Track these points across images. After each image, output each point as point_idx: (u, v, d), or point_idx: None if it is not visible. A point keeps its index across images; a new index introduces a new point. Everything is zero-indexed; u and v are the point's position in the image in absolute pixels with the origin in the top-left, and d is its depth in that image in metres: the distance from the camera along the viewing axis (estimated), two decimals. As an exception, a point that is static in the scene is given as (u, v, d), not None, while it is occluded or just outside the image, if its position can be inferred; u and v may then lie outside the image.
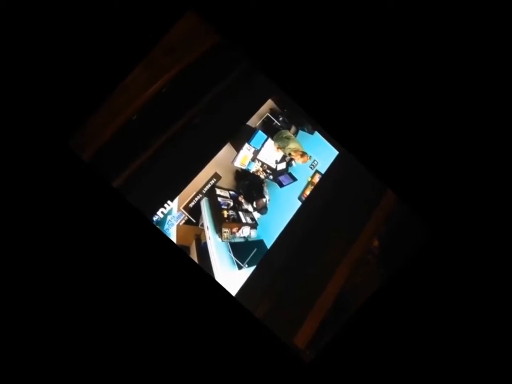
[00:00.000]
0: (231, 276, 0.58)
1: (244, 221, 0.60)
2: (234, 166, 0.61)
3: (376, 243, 0.62)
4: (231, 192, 0.60)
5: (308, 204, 0.62)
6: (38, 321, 0.54)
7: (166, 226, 0.58)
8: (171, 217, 0.58)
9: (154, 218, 0.58)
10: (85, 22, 0.54)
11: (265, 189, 0.61)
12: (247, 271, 0.59)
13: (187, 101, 0.57)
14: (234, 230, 0.59)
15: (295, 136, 0.62)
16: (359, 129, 0.59)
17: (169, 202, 0.58)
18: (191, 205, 0.59)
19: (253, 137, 0.61)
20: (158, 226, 0.57)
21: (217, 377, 0.58)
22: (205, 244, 0.58)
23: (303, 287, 0.60)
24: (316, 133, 0.63)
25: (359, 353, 0.61)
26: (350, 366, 0.61)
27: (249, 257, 0.59)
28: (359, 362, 0.61)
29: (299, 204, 0.62)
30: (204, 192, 0.59)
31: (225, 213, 0.59)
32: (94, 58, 0.54)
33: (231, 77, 0.58)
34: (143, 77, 0.56)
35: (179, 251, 0.58)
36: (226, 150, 0.60)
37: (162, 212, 0.58)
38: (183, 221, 0.59)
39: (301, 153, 0.62)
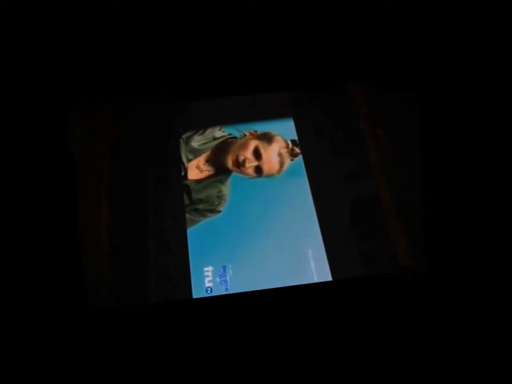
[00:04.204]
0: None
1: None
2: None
3: (386, 143, 0.59)
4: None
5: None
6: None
7: (222, 287, 0.52)
8: (219, 276, 0.53)
9: (208, 291, 0.52)
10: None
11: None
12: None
13: (137, 181, 0.56)
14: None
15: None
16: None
17: (205, 269, 0.53)
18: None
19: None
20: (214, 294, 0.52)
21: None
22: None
23: (367, 226, 0.55)
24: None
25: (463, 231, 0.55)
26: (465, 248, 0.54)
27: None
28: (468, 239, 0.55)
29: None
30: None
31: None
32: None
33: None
34: (90, 202, 0.54)
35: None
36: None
37: (209, 281, 0.52)
38: (231, 270, 0.53)
39: None
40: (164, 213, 0.55)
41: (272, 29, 0.56)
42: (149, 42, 0.54)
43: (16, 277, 0.49)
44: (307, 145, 0.58)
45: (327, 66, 0.56)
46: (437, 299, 0.53)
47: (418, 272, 0.54)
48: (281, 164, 0.57)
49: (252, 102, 0.61)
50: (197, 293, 0.52)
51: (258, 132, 0.60)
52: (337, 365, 0.49)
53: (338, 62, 0.56)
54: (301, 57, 0.56)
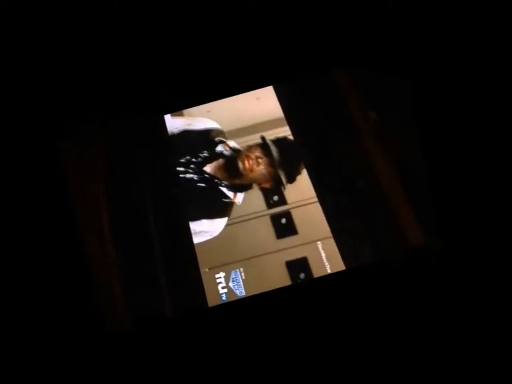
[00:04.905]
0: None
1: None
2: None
3: (380, 125, 0.59)
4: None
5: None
6: None
7: (237, 291, 0.51)
8: (232, 281, 0.52)
9: (224, 297, 0.51)
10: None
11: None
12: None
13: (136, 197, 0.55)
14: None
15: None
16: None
17: (217, 276, 0.52)
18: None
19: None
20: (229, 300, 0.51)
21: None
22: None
23: (373, 211, 0.55)
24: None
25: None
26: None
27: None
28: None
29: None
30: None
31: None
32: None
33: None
34: (92, 227, 0.53)
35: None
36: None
37: (222, 287, 0.52)
38: (243, 273, 0.52)
39: None
40: (168, 225, 0.55)
41: (253, 25, 0.57)
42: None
43: (33, 314, 0.48)
44: (301, 138, 0.58)
45: (310, 55, 0.56)
46: (452, 277, 0.52)
47: (431, 252, 0.53)
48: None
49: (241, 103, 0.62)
50: (212, 301, 0.51)
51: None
52: (367, 354, 0.48)
53: (322, 50, 0.56)
54: (283, 48, 0.56)
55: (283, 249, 0.54)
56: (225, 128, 0.61)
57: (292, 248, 0.54)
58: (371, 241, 0.53)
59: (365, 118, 0.58)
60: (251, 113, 0.61)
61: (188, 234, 0.55)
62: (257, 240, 0.54)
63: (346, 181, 0.56)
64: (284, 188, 0.56)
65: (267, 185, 0.57)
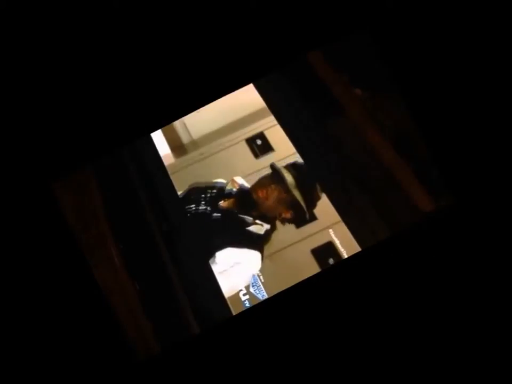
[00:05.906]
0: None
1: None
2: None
3: (367, 100, 0.58)
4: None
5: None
6: None
7: (259, 295, 0.51)
8: (252, 286, 0.51)
9: (246, 304, 0.50)
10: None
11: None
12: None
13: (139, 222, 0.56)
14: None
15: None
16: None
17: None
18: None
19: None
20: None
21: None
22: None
23: (377, 186, 0.54)
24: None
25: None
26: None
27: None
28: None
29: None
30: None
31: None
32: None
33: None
34: (103, 263, 0.54)
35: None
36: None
37: (243, 294, 0.51)
38: (262, 276, 0.52)
39: None
40: (177, 246, 0.55)
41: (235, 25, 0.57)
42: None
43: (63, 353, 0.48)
44: (293, 132, 0.58)
45: (284, 41, 0.56)
46: (470, 234, 0.51)
47: (443, 212, 0.52)
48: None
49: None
50: (236, 311, 0.51)
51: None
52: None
53: (295, 36, 0.56)
54: (254, 39, 0.56)
55: (306, 238, 0.53)
56: (221, 124, 0.61)
57: (314, 235, 0.53)
58: (383, 215, 0.52)
59: (351, 95, 0.58)
60: (244, 103, 0.60)
61: (200, 248, 0.54)
62: (276, 232, 0.54)
63: (345, 161, 0.56)
64: (307, 216, 0.55)
65: (288, 215, 0.55)
